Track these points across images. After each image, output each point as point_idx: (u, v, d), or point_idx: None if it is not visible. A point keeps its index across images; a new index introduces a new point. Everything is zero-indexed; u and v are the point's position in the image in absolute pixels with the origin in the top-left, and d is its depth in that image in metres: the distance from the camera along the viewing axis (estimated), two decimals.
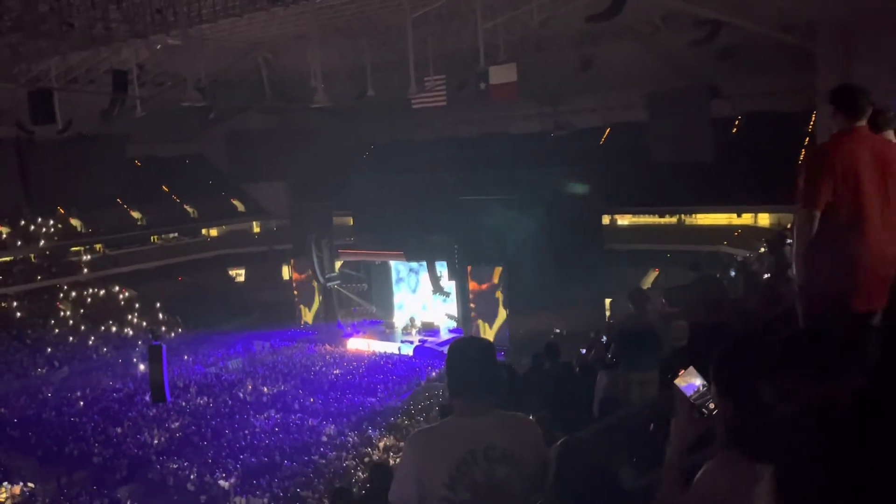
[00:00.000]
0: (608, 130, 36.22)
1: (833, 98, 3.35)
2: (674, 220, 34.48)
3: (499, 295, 31.75)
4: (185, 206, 42.72)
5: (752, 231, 30.03)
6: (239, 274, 43.51)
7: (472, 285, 32.36)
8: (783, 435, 1.67)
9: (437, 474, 2.38)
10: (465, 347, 2.63)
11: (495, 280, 31.80)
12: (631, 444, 3.43)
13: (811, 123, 26.79)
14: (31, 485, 21.50)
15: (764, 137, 30.03)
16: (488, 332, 31.90)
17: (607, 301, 30.17)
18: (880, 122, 3.53)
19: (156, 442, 23.71)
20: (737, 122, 32.53)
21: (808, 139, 26.84)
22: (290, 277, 38.65)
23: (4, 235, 35.61)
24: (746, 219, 31.94)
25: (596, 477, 2.46)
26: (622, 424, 3.45)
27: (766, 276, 7.05)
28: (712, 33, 20.72)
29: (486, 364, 2.54)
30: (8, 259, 35.40)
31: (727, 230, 31.70)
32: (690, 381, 2.49)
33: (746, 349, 2.48)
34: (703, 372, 2.49)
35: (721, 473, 2.14)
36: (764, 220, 30.89)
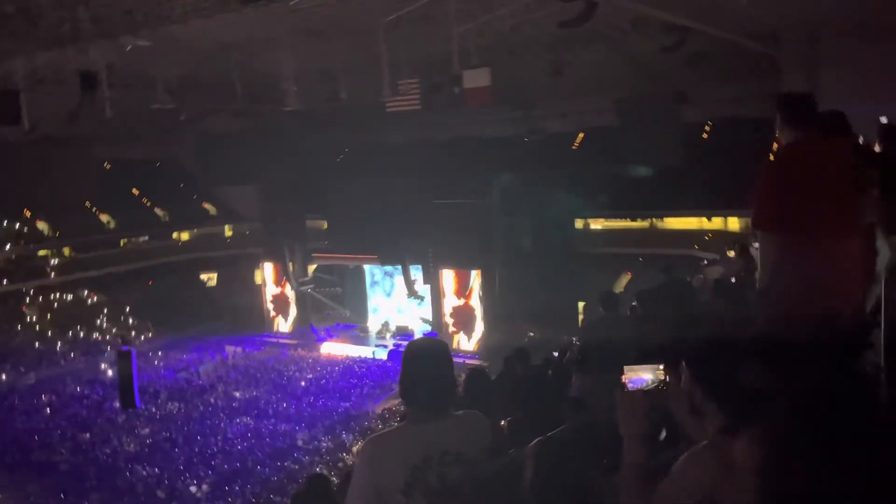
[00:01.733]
0: (581, 136, 36.55)
1: (779, 108, 3.31)
2: (646, 224, 34.91)
3: (474, 300, 31.84)
4: (156, 210, 42.18)
5: (722, 235, 30.52)
6: (210, 278, 43.04)
7: (447, 289, 32.40)
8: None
9: (392, 481, 2.36)
10: (420, 353, 2.55)
11: (470, 284, 31.88)
12: (598, 446, 3.47)
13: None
14: None
15: (733, 143, 30.54)
16: (466, 342, 32.03)
17: (580, 304, 30.43)
18: (841, 128, 3.56)
19: (125, 449, 23.34)
20: (706, 128, 33.04)
21: (775, 144, 27.35)
22: (263, 282, 38.33)
23: None
24: (717, 223, 32.46)
25: (572, 475, 2.48)
26: (589, 426, 3.48)
27: (732, 279, 7.19)
28: (680, 40, 21.02)
29: (441, 370, 2.48)
30: None
31: (698, 234, 32.18)
32: (639, 376, 2.52)
33: (724, 338, 2.49)
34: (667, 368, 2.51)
35: (703, 455, 2.14)
36: (734, 223, 31.39)
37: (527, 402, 4.97)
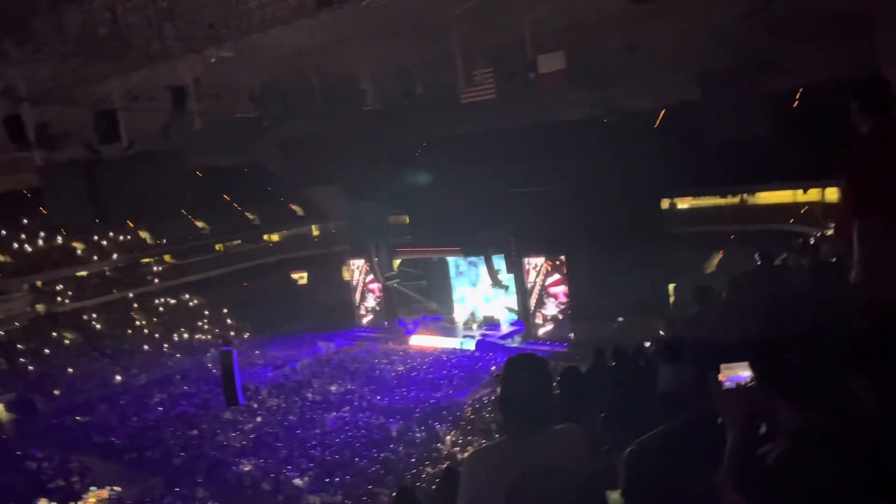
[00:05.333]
0: (663, 112, 35.48)
1: (857, 96, 3.21)
2: (736, 200, 33.54)
3: (560, 285, 31.58)
4: (247, 214, 43.89)
5: (820, 207, 28.99)
6: (301, 277, 44.45)
7: (531, 277, 32.24)
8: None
9: (493, 496, 2.42)
10: (521, 370, 2.58)
11: (554, 271, 31.62)
12: (698, 441, 3.41)
13: None
14: (117, 488, 22.53)
15: (826, 109, 28.84)
16: (547, 324, 31.84)
17: (671, 286, 29.65)
18: None
19: (232, 444, 24.50)
20: (797, 96, 31.40)
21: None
22: (351, 278, 39.26)
23: (80, 251, 37.25)
24: (813, 195, 30.81)
25: (664, 484, 2.48)
26: (689, 421, 3.43)
27: (832, 259, 6.85)
28: (762, 5, 20.05)
29: (541, 388, 2.53)
30: (84, 274, 37.04)
31: (793, 207, 30.67)
32: (736, 374, 2.48)
33: (793, 344, 2.44)
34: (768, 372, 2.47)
35: None
36: (832, 194, 29.73)
37: (618, 396, 4.94)
